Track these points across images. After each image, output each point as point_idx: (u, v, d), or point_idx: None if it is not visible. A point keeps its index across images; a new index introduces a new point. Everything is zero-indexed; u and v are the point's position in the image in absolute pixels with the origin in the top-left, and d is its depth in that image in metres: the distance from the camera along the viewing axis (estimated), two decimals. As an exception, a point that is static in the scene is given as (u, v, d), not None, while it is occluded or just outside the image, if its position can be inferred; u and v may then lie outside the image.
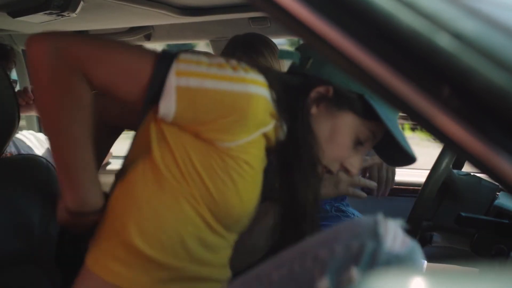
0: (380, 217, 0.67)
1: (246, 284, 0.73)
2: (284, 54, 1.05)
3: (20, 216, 1.06)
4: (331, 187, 1.19)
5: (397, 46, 0.44)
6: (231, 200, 0.85)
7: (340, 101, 0.91)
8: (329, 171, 0.95)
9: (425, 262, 1.44)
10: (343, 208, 1.40)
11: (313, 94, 0.92)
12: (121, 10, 1.52)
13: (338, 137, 0.92)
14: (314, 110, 0.92)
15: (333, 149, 0.93)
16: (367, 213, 1.46)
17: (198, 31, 1.88)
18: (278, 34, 1.85)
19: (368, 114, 0.91)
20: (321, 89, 0.92)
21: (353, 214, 1.39)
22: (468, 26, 0.44)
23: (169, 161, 0.84)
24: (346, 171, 0.96)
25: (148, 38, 1.95)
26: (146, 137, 0.87)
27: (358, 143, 0.94)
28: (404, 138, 0.93)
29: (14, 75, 2.33)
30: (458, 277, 0.36)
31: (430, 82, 0.44)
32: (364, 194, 1.26)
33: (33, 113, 2.19)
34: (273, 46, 1.52)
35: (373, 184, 1.25)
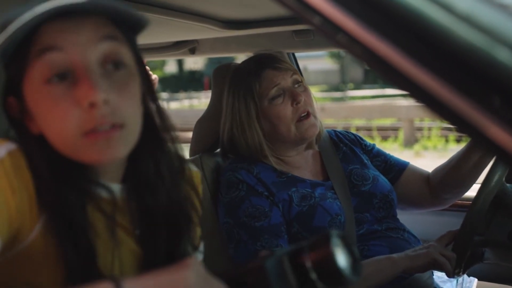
0: None
1: None
2: None
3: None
4: (421, 257, 1.17)
5: (452, 58, 0.43)
6: None
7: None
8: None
9: (476, 280, 1.39)
10: (393, 225, 1.35)
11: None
12: (167, 25, 1.55)
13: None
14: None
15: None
16: (418, 229, 1.42)
17: (242, 44, 1.89)
18: (321, 46, 1.85)
19: None
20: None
21: (404, 230, 1.34)
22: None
23: None
24: None
25: (192, 51, 1.98)
26: None
27: None
28: None
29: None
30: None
31: (482, 92, 0.43)
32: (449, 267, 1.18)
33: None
34: None
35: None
